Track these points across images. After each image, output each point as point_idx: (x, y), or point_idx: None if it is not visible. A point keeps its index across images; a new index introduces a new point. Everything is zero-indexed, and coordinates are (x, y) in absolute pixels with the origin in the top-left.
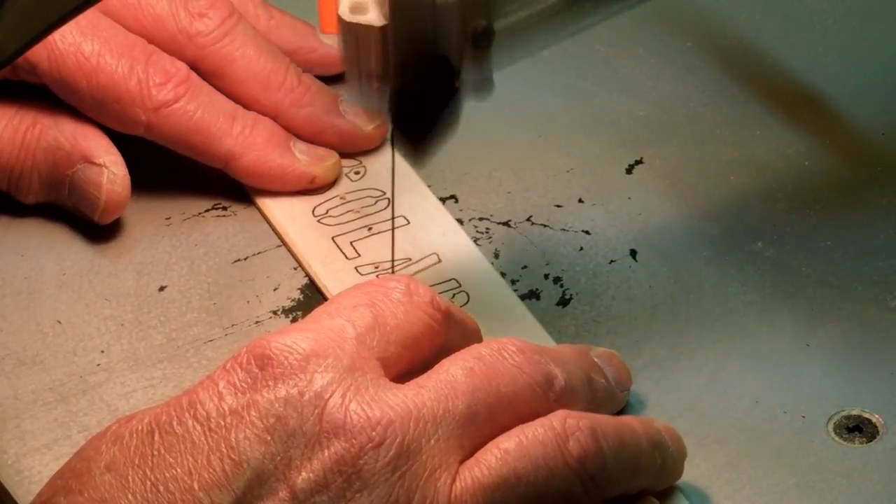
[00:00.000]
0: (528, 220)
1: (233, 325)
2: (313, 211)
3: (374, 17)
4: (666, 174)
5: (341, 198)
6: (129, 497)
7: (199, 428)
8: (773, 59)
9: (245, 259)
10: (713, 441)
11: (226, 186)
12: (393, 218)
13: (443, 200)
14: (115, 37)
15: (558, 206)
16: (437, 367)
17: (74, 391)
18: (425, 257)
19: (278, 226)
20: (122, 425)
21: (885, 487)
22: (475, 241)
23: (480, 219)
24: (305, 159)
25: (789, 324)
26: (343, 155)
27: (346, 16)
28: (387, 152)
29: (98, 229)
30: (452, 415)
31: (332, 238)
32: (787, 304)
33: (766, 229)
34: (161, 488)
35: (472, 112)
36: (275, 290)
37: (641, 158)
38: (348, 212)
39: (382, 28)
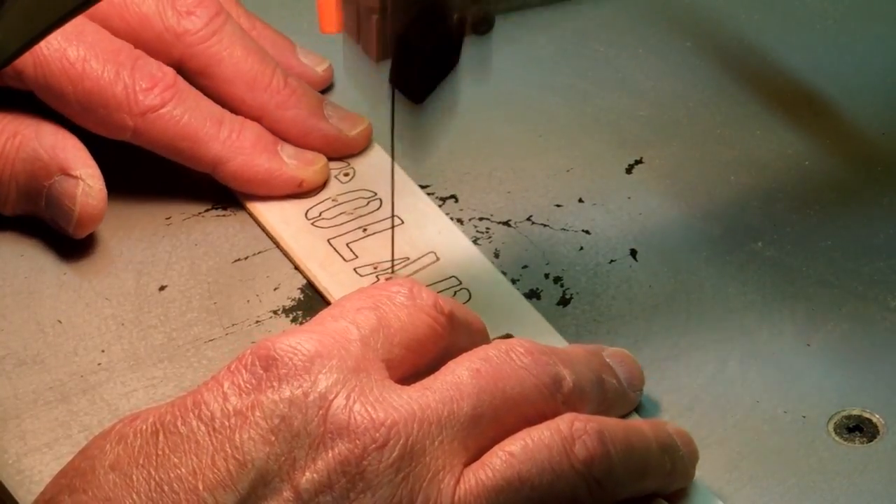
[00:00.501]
0: (528, 219)
1: (233, 325)
2: (306, 214)
3: None
4: (666, 174)
5: (333, 200)
6: (134, 496)
7: (203, 428)
8: (773, 59)
9: (245, 259)
10: (713, 441)
11: (226, 186)
12: (393, 216)
13: (443, 200)
14: (100, 42)
15: (558, 205)
16: (443, 369)
17: (75, 391)
18: (423, 256)
19: (272, 230)
20: (126, 425)
21: (885, 487)
22: (475, 240)
23: (480, 218)
24: (293, 163)
25: (789, 324)
26: (330, 157)
27: None
28: (375, 153)
29: (98, 229)
30: (457, 416)
31: (328, 241)
32: (787, 304)
33: (766, 229)
34: (165, 488)
35: (473, 112)
36: (275, 289)
37: (641, 158)
38: (341, 213)
39: (382, 20)
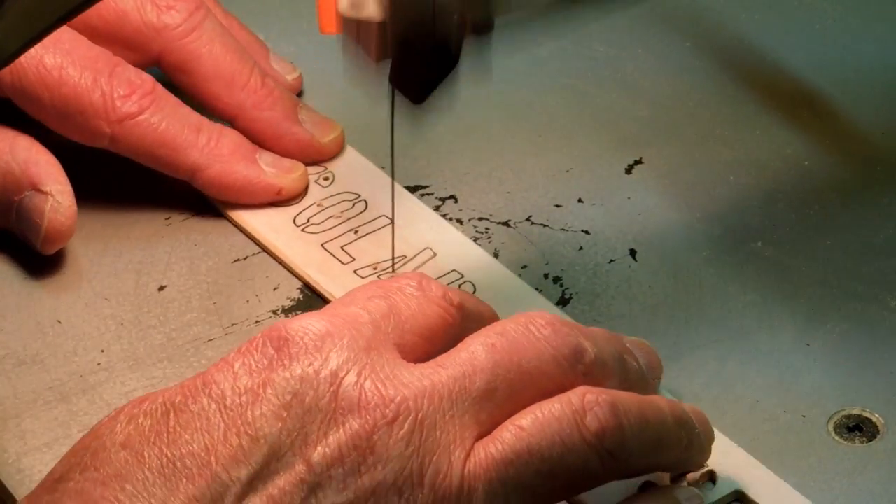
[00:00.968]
0: (528, 219)
1: (233, 325)
2: (294, 220)
3: (373, 11)
4: (666, 174)
5: (319, 205)
6: (146, 472)
7: (214, 406)
8: (773, 59)
9: (245, 259)
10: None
11: None
12: (393, 216)
13: (442, 200)
14: (78, 49)
15: (558, 205)
16: (459, 345)
17: (74, 390)
18: (419, 253)
19: (264, 240)
20: (135, 406)
21: (885, 487)
22: (475, 240)
23: (480, 219)
24: (272, 171)
25: (789, 324)
26: (307, 162)
27: (346, 11)
28: (350, 156)
29: (98, 229)
30: (469, 391)
31: (322, 245)
32: (787, 304)
33: (765, 229)
34: (178, 464)
35: (473, 112)
36: (274, 289)
37: (641, 158)
38: (329, 217)
39: (382, 23)
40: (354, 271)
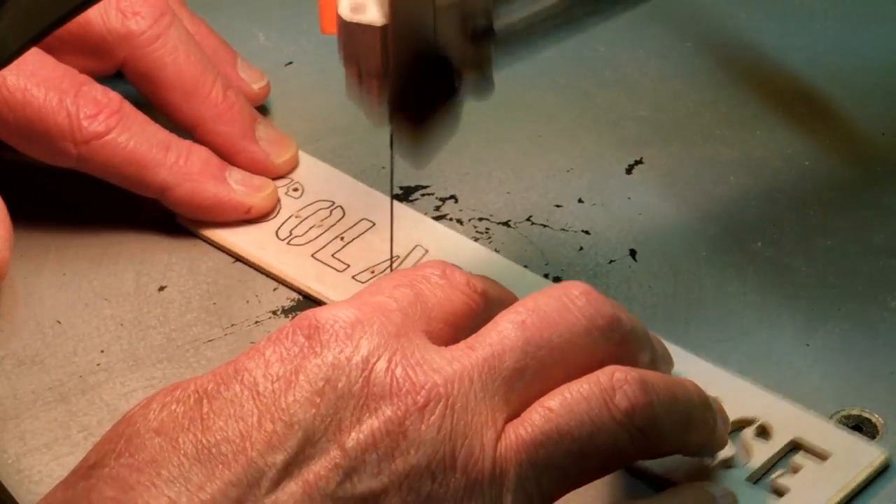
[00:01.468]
0: (528, 219)
1: (232, 325)
2: (277, 234)
3: (374, 16)
4: (666, 174)
5: (297, 216)
6: (181, 458)
7: (247, 393)
8: (773, 59)
9: (244, 259)
10: None
11: None
12: (392, 215)
13: (442, 200)
14: (42, 69)
15: (558, 205)
16: (490, 324)
17: (74, 391)
18: (411, 251)
19: (250, 257)
20: (167, 394)
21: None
22: (475, 240)
23: (480, 219)
24: (241, 189)
25: (789, 324)
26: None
27: (347, 15)
28: (313, 164)
29: (98, 230)
30: (499, 371)
31: (313, 256)
32: (787, 304)
33: (765, 229)
34: (213, 450)
35: (472, 112)
36: (274, 290)
37: (641, 158)
38: (312, 227)
39: (383, 28)
40: (352, 277)
